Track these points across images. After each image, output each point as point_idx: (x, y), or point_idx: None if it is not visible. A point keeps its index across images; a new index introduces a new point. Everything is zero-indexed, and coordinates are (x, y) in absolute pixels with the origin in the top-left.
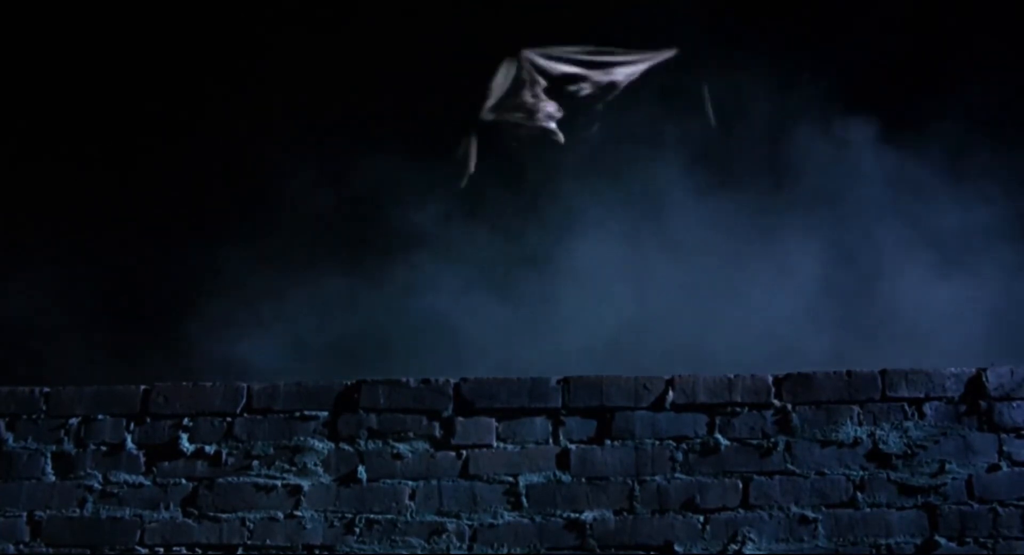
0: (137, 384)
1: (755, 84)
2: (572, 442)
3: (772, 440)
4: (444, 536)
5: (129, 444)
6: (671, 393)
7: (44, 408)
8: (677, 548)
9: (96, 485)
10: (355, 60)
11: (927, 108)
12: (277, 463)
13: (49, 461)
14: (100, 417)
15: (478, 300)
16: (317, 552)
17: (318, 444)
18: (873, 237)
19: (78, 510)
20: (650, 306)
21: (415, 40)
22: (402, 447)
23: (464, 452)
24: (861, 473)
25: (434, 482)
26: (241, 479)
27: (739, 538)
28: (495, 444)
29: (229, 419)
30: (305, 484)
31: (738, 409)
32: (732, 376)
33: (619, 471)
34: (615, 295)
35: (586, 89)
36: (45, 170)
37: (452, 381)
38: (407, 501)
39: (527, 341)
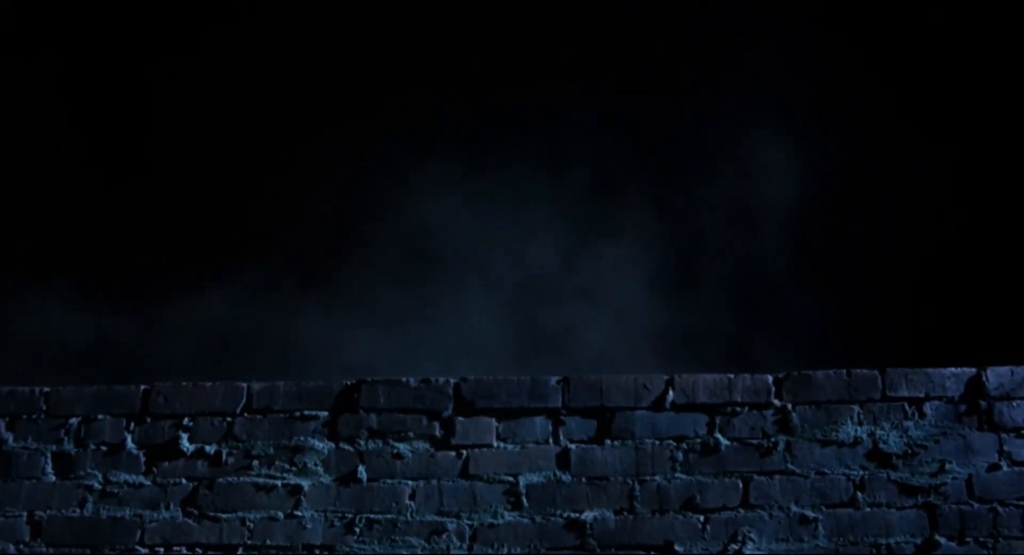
0: (137, 384)
1: None
2: (572, 442)
3: (772, 440)
4: (444, 536)
5: (129, 444)
6: (671, 393)
7: (44, 408)
8: (677, 548)
9: (96, 485)
10: None
11: None
12: (277, 463)
13: (49, 461)
14: (100, 417)
15: None
16: (317, 552)
17: (318, 444)
18: None
19: (78, 510)
20: None
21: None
22: (402, 447)
23: (464, 452)
24: (861, 473)
25: (434, 482)
26: (241, 479)
27: (739, 538)
28: (495, 444)
29: (229, 419)
30: (305, 484)
31: (738, 409)
32: (732, 376)
33: (619, 471)
34: None
35: None
36: None
37: (452, 381)
38: (407, 501)
39: None
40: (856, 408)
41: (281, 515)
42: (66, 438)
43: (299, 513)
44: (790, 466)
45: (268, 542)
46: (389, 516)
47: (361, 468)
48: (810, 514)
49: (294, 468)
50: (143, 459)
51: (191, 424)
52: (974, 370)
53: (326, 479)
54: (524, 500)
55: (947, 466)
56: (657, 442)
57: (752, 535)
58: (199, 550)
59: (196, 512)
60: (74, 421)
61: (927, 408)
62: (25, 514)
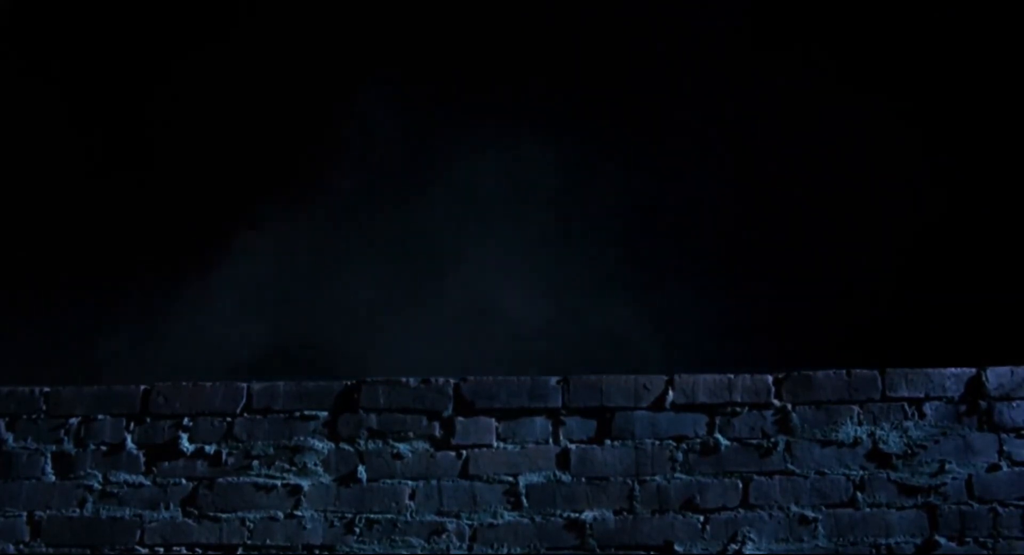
0: (137, 384)
1: None
2: (572, 442)
3: (772, 440)
4: (444, 536)
5: (129, 444)
6: (671, 393)
7: (44, 408)
8: (677, 548)
9: (96, 485)
10: None
11: None
12: (277, 463)
13: (49, 461)
14: (100, 417)
15: None
16: (317, 552)
17: (318, 444)
18: None
19: (78, 510)
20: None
21: None
22: (402, 447)
23: (464, 452)
24: (861, 473)
25: (434, 482)
26: (241, 479)
27: (739, 538)
28: (495, 444)
29: (229, 419)
30: (305, 484)
31: (738, 409)
32: (732, 376)
33: (619, 471)
34: None
35: None
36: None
37: (452, 381)
38: (407, 501)
39: None
40: (856, 408)
41: (281, 515)
42: (66, 438)
43: (299, 513)
44: (790, 466)
45: (268, 542)
46: (389, 516)
47: (361, 468)
48: (810, 514)
49: (294, 468)
50: (143, 459)
51: (191, 424)
52: (974, 370)
53: (326, 479)
54: (524, 500)
55: (947, 466)
56: (657, 442)
57: (752, 535)
58: (199, 550)
59: (196, 512)
60: (74, 421)
61: (927, 408)
62: (25, 514)
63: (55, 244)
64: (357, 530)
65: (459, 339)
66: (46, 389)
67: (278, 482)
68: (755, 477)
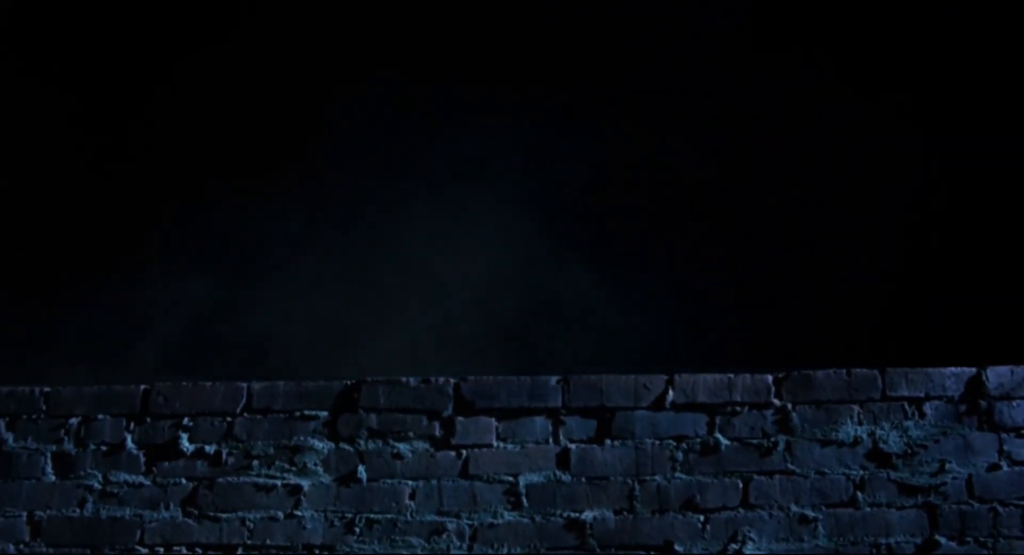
0: (138, 384)
1: None
2: (572, 442)
3: (772, 440)
4: (444, 536)
5: (129, 444)
6: (671, 393)
7: (44, 408)
8: (677, 548)
9: (96, 485)
10: None
11: None
12: (277, 463)
13: (49, 461)
14: (100, 417)
15: None
16: (317, 552)
17: (318, 444)
18: None
19: (78, 510)
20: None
21: None
22: (402, 447)
23: (464, 452)
24: (861, 473)
25: (434, 482)
26: (241, 479)
27: (739, 538)
28: (495, 444)
29: (229, 419)
30: (305, 484)
31: (738, 409)
32: (732, 376)
33: (619, 471)
34: None
35: None
36: None
37: (452, 381)
38: (407, 501)
39: None
40: (856, 408)
41: (281, 515)
42: (66, 438)
43: (299, 513)
44: (790, 466)
45: (268, 542)
46: (389, 516)
47: (361, 468)
48: (810, 514)
49: (294, 468)
50: (143, 459)
51: (191, 424)
52: (974, 370)
53: (326, 479)
54: (524, 500)
55: (947, 466)
56: (657, 442)
57: (752, 535)
58: (199, 550)
59: (196, 512)
60: (74, 421)
61: (927, 408)
62: (25, 514)
63: (45, 240)
64: (357, 530)
65: (457, 338)
66: (46, 389)
67: (278, 482)
68: (755, 477)
